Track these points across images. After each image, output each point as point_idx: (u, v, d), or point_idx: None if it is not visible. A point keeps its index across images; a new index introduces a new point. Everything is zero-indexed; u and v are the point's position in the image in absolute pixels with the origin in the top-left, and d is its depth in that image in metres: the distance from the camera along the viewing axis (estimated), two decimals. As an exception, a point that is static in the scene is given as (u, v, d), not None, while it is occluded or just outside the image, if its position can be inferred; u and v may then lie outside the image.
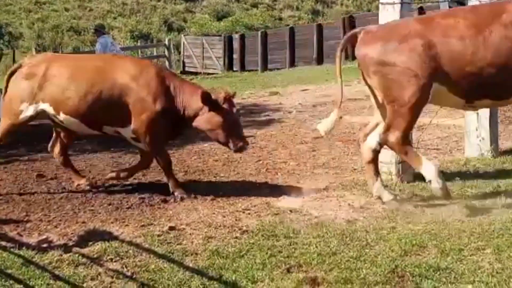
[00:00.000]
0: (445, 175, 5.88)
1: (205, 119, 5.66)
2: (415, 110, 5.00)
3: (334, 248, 4.19)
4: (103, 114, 5.78)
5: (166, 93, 5.73)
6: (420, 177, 5.78)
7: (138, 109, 5.69)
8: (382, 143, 5.14)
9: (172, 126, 5.82)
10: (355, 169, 6.61)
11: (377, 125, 5.30)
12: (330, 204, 5.29)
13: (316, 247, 4.23)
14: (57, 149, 6.33)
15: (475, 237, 4.27)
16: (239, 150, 5.76)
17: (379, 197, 5.18)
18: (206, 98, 5.57)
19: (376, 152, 5.26)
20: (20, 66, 6.17)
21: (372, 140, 5.23)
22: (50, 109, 5.91)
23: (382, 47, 5.01)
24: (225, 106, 5.61)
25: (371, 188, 5.26)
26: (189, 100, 5.71)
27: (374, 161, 5.26)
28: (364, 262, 3.95)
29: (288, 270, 3.90)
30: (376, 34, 5.18)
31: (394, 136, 4.99)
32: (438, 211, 4.90)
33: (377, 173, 5.26)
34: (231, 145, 5.67)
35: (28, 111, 5.97)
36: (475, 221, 4.59)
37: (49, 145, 6.38)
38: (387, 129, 5.03)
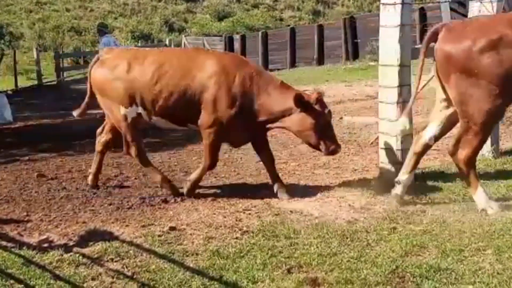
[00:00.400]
0: (446, 176, 5.89)
1: (296, 121, 5.44)
2: (491, 128, 4.88)
3: (335, 249, 4.19)
4: (187, 112, 5.61)
5: (244, 93, 5.49)
6: (420, 178, 5.79)
7: (209, 107, 5.50)
8: (450, 154, 5.10)
9: (247, 127, 5.60)
10: (355, 170, 6.61)
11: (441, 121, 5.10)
12: (330, 204, 5.29)
13: (317, 247, 4.23)
14: (103, 139, 6.29)
15: (476, 238, 4.27)
16: (331, 153, 5.57)
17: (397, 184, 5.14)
18: (299, 100, 5.34)
19: (427, 147, 5.21)
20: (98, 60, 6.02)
21: (429, 134, 5.12)
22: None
23: (468, 49, 4.60)
24: (317, 107, 5.40)
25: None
26: (274, 101, 5.48)
27: (420, 155, 5.22)
28: (365, 262, 3.95)
29: (289, 271, 3.89)
30: (462, 32, 4.76)
31: (463, 154, 4.86)
32: (438, 211, 4.89)
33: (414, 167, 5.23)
34: (322, 147, 5.46)
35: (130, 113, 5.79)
36: (476, 222, 4.59)
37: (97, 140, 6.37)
38: (457, 142, 4.92)
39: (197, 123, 5.63)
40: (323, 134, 5.45)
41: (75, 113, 6.49)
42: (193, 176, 5.81)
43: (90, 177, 6.30)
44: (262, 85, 5.54)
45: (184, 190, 5.77)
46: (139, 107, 5.74)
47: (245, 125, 5.57)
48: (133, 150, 5.90)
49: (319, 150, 5.55)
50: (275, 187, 5.68)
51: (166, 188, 5.90)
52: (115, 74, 5.77)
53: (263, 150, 5.89)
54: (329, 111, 5.55)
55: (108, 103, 5.94)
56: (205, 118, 5.54)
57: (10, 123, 12.34)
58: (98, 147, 6.35)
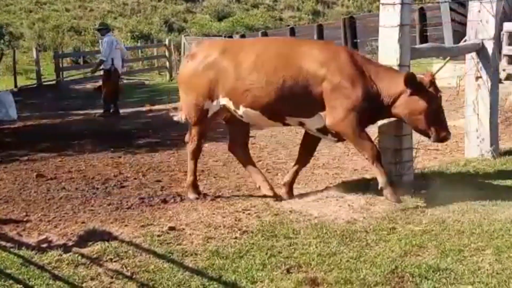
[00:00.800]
0: (445, 176, 5.90)
1: (405, 104, 5.06)
2: None
3: (334, 249, 4.19)
4: (287, 105, 5.26)
5: (362, 79, 5.14)
6: (420, 178, 5.78)
7: (333, 98, 5.11)
8: None
9: (369, 118, 5.28)
10: (355, 170, 6.61)
11: None
12: (330, 204, 5.28)
13: (316, 247, 4.23)
14: (238, 148, 5.91)
15: (475, 237, 4.27)
16: (441, 140, 5.23)
17: None
18: (410, 80, 4.98)
19: None
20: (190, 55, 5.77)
21: None
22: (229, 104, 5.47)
23: None
24: (430, 90, 5.04)
25: None
26: (388, 85, 5.13)
27: None
28: (364, 262, 3.95)
29: (288, 271, 3.89)
30: None
31: None
32: (438, 211, 4.89)
33: None
34: (432, 134, 5.08)
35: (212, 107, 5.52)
36: (475, 222, 4.59)
37: (228, 145, 6.00)
38: None
39: (298, 116, 5.31)
40: (435, 120, 5.07)
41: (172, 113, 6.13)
42: (378, 178, 5.18)
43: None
44: (372, 70, 5.23)
45: (386, 195, 5.12)
46: (225, 98, 5.44)
47: (367, 115, 5.23)
48: (192, 145, 5.66)
49: (428, 136, 5.18)
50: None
51: (189, 193, 5.69)
52: (204, 66, 5.49)
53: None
54: (441, 96, 5.17)
55: (191, 96, 5.59)
56: (334, 112, 5.14)
57: (15, 120, 12.43)
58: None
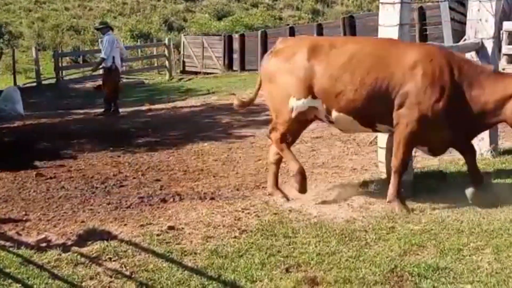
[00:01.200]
0: (445, 175, 5.89)
1: None
2: None
3: (333, 248, 4.19)
4: (380, 110, 4.98)
5: (452, 86, 4.85)
6: (419, 177, 5.78)
7: (408, 102, 4.85)
8: None
9: (458, 128, 4.96)
10: (354, 169, 6.61)
11: None
12: (329, 203, 5.28)
13: (315, 246, 4.23)
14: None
15: (474, 237, 4.27)
16: None
17: None
18: None
19: None
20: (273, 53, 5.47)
21: None
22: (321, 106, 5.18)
23: None
24: None
25: None
26: (491, 91, 4.81)
27: None
28: (363, 261, 3.94)
29: (287, 270, 3.89)
30: None
31: None
32: (437, 211, 4.89)
33: None
34: None
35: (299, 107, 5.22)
36: (475, 221, 4.59)
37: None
38: None
39: (389, 123, 5.02)
40: None
41: (235, 102, 6.10)
42: (389, 189, 5.09)
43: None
44: (472, 75, 4.93)
45: (393, 208, 4.99)
46: (317, 100, 5.16)
47: (453, 126, 4.93)
48: (276, 134, 5.41)
49: None
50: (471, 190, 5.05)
51: (297, 182, 5.33)
52: (292, 64, 5.22)
53: (469, 152, 5.22)
54: None
55: (276, 94, 5.36)
56: (405, 113, 4.89)
57: (22, 116, 12.55)
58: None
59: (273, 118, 5.51)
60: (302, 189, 5.34)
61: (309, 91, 5.16)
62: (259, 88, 5.72)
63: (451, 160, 6.60)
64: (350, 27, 21.71)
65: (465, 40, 6.90)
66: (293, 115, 5.26)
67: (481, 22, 6.52)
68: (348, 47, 5.24)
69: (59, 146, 8.80)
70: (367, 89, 4.95)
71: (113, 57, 12.38)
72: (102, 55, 12.65)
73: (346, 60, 5.06)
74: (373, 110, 5.01)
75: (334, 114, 5.14)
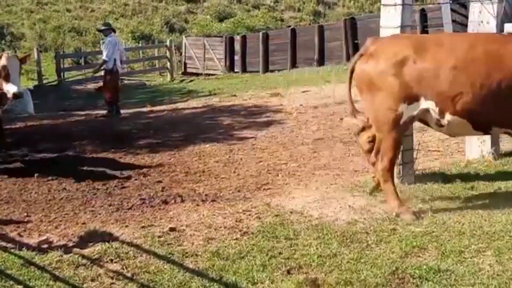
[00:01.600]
0: (446, 177, 5.89)
1: None
2: None
3: (335, 250, 4.19)
4: (499, 113, 4.67)
5: None
6: (420, 179, 5.78)
7: None
8: None
9: None
10: (356, 171, 6.61)
11: None
12: (330, 205, 5.28)
13: (317, 248, 4.23)
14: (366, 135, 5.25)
15: (476, 239, 4.27)
16: None
17: None
18: None
19: None
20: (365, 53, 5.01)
21: None
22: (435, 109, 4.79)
23: None
24: None
25: None
26: None
27: None
28: (365, 264, 3.94)
29: (289, 272, 3.89)
30: None
31: None
32: (438, 212, 4.89)
33: None
34: None
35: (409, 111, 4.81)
36: (476, 223, 4.58)
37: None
38: None
39: (508, 126, 4.75)
40: None
41: (354, 130, 5.42)
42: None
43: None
44: None
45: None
46: (428, 102, 4.77)
47: None
48: (384, 162, 4.93)
49: None
50: None
51: (404, 216, 4.78)
52: (398, 66, 4.78)
53: None
54: None
55: (381, 101, 4.85)
56: None
57: (33, 115, 12.76)
58: (365, 146, 5.34)
59: (378, 137, 4.96)
60: (415, 218, 4.77)
61: (421, 94, 4.77)
62: (350, 91, 5.15)
63: (452, 162, 6.60)
64: (352, 29, 21.71)
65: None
66: (402, 121, 4.83)
67: (482, 24, 6.51)
68: (457, 45, 4.83)
69: (61, 147, 8.79)
70: (487, 90, 4.60)
71: (115, 59, 12.41)
72: (104, 57, 12.67)
73: (460, 59, 4.68)
74: (492, 113, 4.69)
75: (448, 117, 4.77)
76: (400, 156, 5.61)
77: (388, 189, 4.96)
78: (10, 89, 6.89)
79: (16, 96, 6.97)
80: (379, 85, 4.84)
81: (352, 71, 5.06)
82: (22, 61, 7.40)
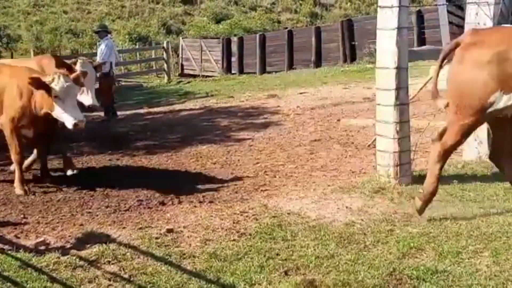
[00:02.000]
0: (443, 178, 5.89)
1: None
2: None
3: (332, 251, 4.19)
4: None
5: None
6: (417, 180, 5.79)
7: None
8: None
9: None
10: (353, 172, 6.61)
11: None
12: (328, 207, 5.29)
13: (314, 250, 4.23)
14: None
15: (473, 240, 4.27)
16: None
17: None
18: None
19: None
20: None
21: None
22: None
23: None
24: None
25: None
26: None
27: None
28: (362, 265, 3.94)
29: (286, 273, 3.89)
30: None
31: None
32: (436, 213, 4.89)
33: None
34: None
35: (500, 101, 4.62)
36: (473, 224, 4.59)
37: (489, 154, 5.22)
38: None
39: None
40: None
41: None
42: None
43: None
44: None
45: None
46: None
47: None
48: (446, 142, 4.79)
49: None
50: None
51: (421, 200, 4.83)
52: (502, 55, 4.59)
53: None
54: None
55: (472, 88, 4.69)
56: None
57: None
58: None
59: (452, 120, 4.83)
60: (421, 209, 4.86)
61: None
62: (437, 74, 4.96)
63: (450, 163, 6.61)
64: (348, 30, 21.75)
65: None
66: (490, 110, 4.67)
67: (479, 26, 6.53)
68: None
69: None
70: None
71: (111, 63, 12.46)
72: (100, 60, 12.67)
73: None
74: None
75: None
76: (397, 157, 5.63)
77: (434, 172, 4.89)
78: (84, 100, 6.57)
79: (90, 109, 6.59)
80: (475, 75, 4.68)
81: (443, 59, 4.91)
82: (97, 69, 7.07)
